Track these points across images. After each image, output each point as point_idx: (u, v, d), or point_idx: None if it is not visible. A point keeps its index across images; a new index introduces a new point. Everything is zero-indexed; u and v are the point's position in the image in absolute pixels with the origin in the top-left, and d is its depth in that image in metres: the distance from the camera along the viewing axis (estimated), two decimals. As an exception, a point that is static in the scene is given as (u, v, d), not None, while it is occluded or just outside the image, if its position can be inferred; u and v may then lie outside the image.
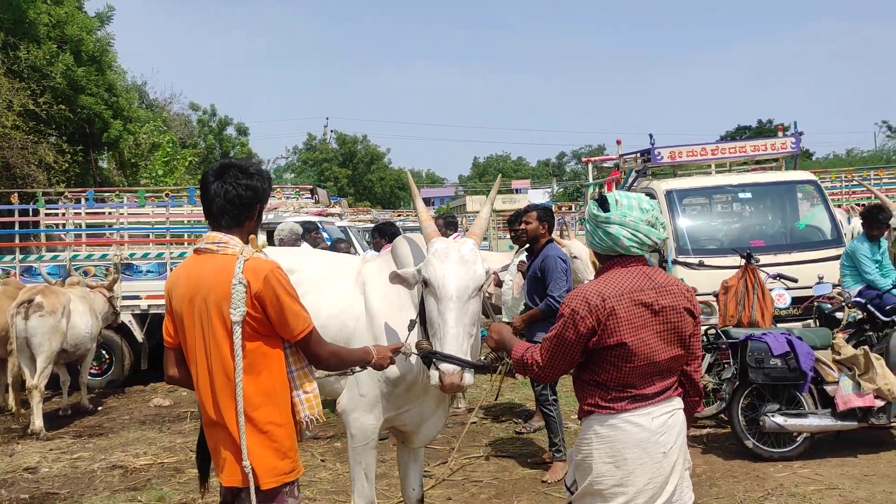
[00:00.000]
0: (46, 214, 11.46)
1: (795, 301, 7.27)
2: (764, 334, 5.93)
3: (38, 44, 19.75)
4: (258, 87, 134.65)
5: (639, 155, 8.84)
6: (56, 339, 7.73)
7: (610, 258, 2.93)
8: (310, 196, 11.62)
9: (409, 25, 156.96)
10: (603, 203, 2.94)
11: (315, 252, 5.25)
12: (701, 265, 7.55)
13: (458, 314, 3.16)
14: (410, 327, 3.41)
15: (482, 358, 3.54)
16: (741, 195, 8.30)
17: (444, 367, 3.09)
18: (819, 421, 5.87)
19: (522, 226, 6.08)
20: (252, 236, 2.70)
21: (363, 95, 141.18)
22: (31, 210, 11.10)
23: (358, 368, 3.15)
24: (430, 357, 3.16)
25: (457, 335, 3.13)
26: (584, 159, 14.54)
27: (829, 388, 5.93)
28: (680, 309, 2.85)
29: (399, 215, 29.69)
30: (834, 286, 7.17)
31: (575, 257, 8.91)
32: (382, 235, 7.31)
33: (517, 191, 48.64)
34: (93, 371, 9.58)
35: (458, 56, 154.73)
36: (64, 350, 7.98)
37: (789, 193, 8.32)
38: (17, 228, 10.48)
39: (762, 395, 5.99)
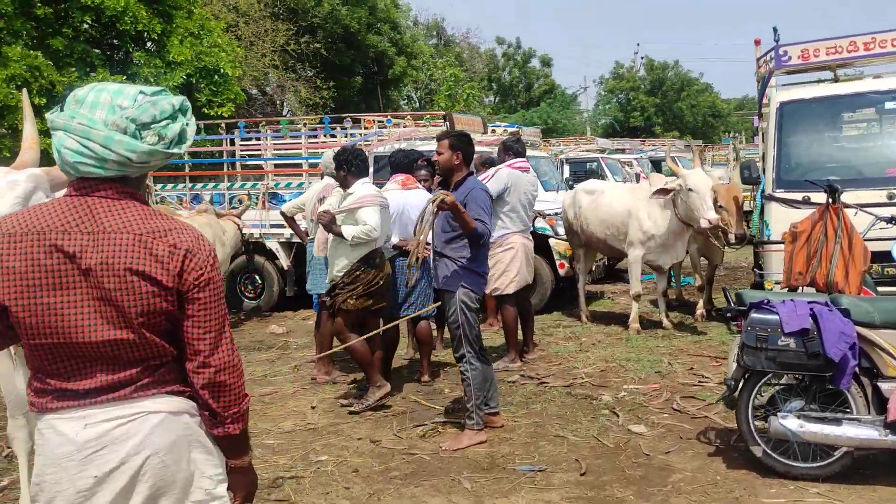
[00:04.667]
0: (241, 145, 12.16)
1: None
2: (784, 302, 4.16)
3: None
4: (566, 17, 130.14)
5: (769, 57, 6.69)
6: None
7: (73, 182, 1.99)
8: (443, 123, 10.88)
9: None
10: (63, 100, 2.04)
11: None
12: (806, 202, 5.56)
13: None
14: None
15: None
16: (889, 104, 5.84)
17: None
18: (856, 431, 3.98)
19: (435, 156, 4.96)
20: None
21: (677, 19, 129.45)
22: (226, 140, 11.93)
23: None
24: None
25: None
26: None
27: (884, 387, 4.01)
28: (121, 271, 1.86)
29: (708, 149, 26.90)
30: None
31: (690, 189, 7.29)
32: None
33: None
34: (248, 294, 10.35)
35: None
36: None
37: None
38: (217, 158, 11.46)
39: (791, 388, 4.26)
